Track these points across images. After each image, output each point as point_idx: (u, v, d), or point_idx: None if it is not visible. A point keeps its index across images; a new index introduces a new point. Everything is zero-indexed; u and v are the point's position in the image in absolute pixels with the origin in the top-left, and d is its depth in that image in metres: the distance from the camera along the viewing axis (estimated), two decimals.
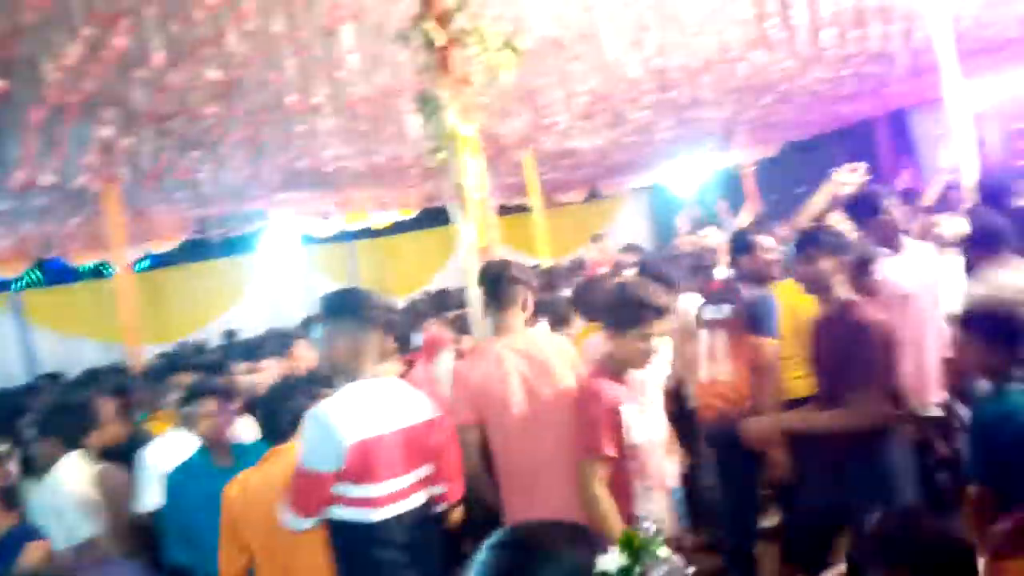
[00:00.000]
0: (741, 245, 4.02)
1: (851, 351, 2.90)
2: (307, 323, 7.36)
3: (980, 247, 3.54)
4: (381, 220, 12.60)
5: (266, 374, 4.49)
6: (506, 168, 10.07)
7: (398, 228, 13.61)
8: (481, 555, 1.18)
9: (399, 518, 2.50)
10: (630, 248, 7.91)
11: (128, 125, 4.93)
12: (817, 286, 3.13)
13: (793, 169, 15.03)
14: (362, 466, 2.43)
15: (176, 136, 5.45)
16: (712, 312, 3.93)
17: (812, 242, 3.14)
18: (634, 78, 6.07)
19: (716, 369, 3.80)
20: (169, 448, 3.47)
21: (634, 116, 7.93)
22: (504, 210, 13.73)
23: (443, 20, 2.94)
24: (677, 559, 1.24)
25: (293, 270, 13.40)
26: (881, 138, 13.18)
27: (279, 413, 2.81)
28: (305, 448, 2.46)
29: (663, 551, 1.22)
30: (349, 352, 2.56)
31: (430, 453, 2.64)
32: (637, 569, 1.15)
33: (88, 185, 5.81)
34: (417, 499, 2.58)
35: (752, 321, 3.68)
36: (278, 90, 4.83)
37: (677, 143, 10.81)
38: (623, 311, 2.76)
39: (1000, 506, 2.11)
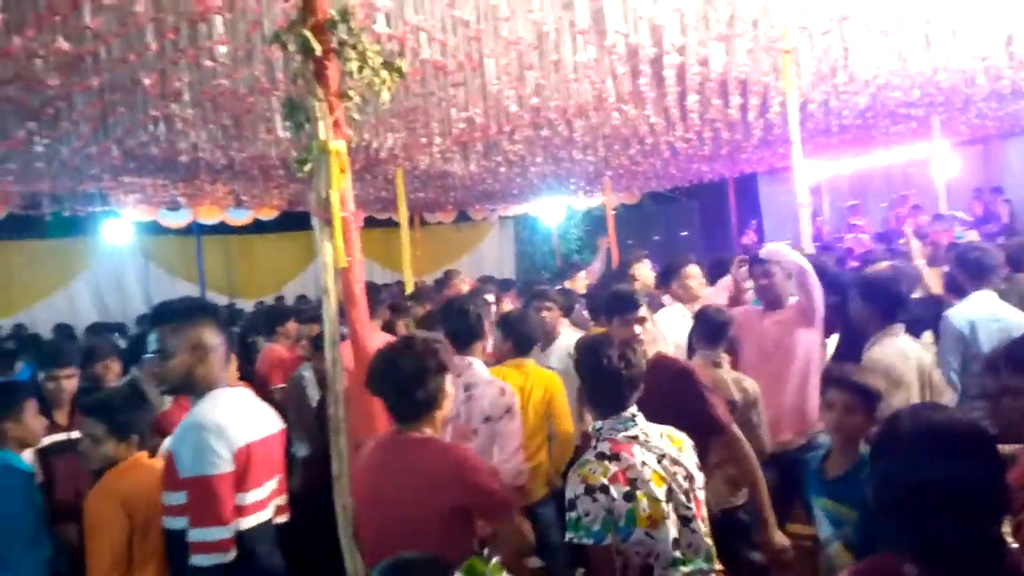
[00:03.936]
0: None
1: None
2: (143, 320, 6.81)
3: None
4: (237, 218, 12.00)
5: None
6: (378, 182, 9.92)
7: (256, 228, 13.01)
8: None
9: (260, 527, 2.45)
10: (486, 280, 8.06)
11: None
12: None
13: (651, 218, 15.92)
14: (243, 472, 2.40)
15: (11, 104, 4.93)
16: None
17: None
18: (511, 113, 6.16)
19: None
20: None
21: (508, 148, 8.05)
22: (373, 223, 13.53)
23: (323, 29, 2.82)
24: None
25: (130, 260, 12.51)
26: (731, 198, 14.16)
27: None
28: (194, 457, 2.33)
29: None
30: (212, 361, 2.52)
31: (279, 465, 2.65)
32: None
33: None
34: (271, 510, 2.54)
35: None
36: (134, 70, 4.49)
37: (547, 179, 11.07)
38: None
39: None
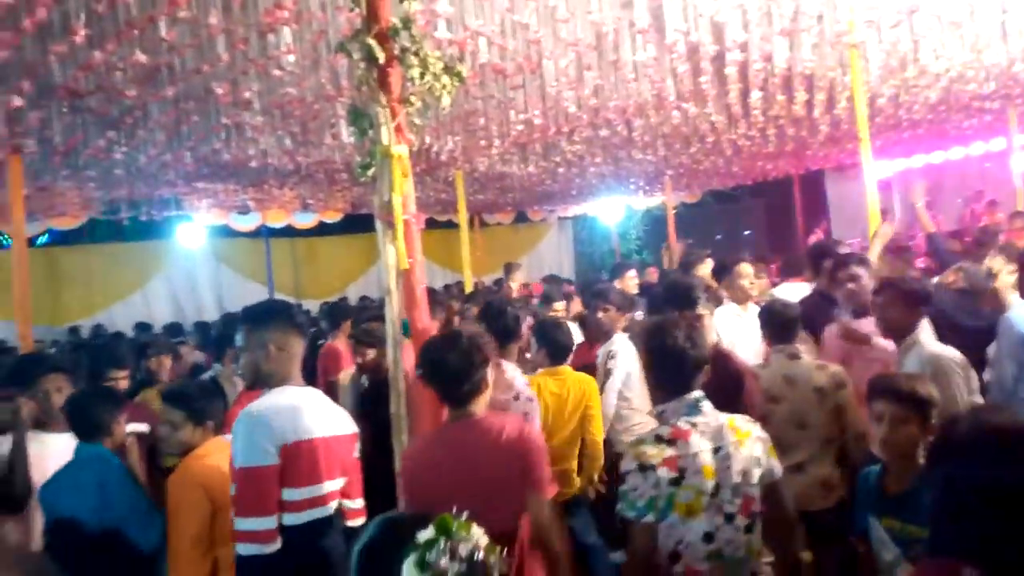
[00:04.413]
0: None
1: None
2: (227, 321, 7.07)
3: None
4: (303, 221, 12.33)
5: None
6: (438, 184, 10.06)
7: (320, 230, 13.34)
8: (370, 527, 1.56)
9: (313, 525, 2.52)
10: (550, 279, 8.05)
11: (41, 98, 4.66)
12: None
13: (712, 216, 15.68)
14: (291, 468, 2.47)
15: (92, 114, 5.19)
16: None
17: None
18: (570, 114, 6.18)
19: None
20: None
21: (567, 149, 8.06)
22: (433, 224, 13.71)
23: (386, 37, 2.89)
24: (483, 538, 1.48)
25: (202, 262, 12.96)
26: (797, 196, 13.82)
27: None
28: (242, 448, 2.46)
29: (472, 531, 1.48)
30: (278, 359, 2.62)
31: (346, 467, 2.71)
32: (441, 540, 1.43)
33: None
34: (330, 508, 2.61)
35: None
36: (207, 80, 4.68)
37: (606, 179, 11.03)
38: None
39: None
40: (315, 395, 2.73)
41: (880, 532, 2.46)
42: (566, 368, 4.02)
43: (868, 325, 3.89)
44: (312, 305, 12.60)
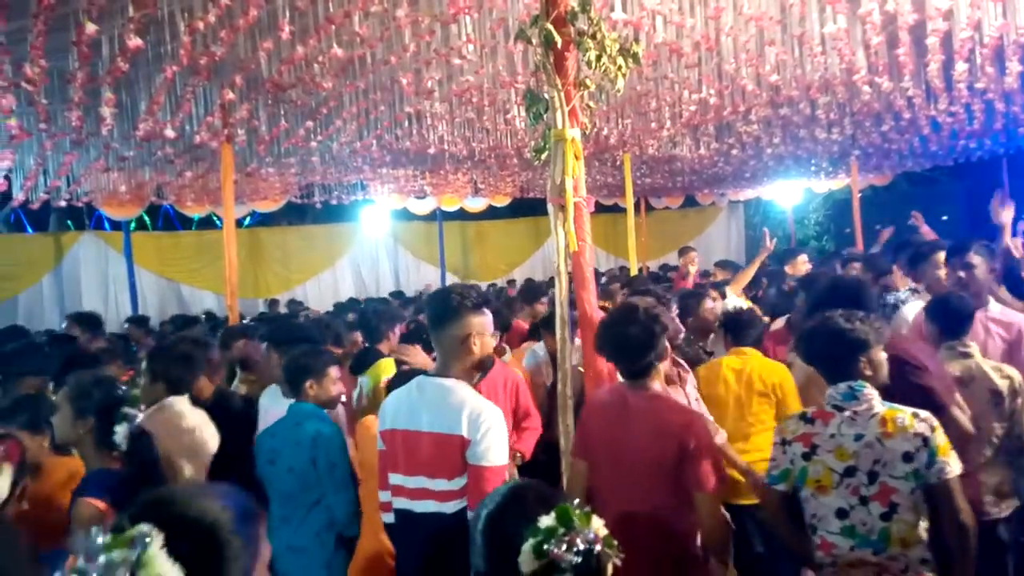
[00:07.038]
0: None
1: None
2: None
3: None
4: (474, 205, 12.78)
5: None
6: (605, 168, 10.03)
7: (489, 214, 13.77)
8: (497, 493, 1.59)
9: (403, 514, 2.53)
10: (723, 264, 7.76)
11: (250, 91, 5.15)
12: None
13: (905, 200, 14.39)
14: (388, 452, 2.59)
15: (293, 106, 5.67)
16: None
17: None
18: (748, 92, 5.93)
19: None
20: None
21: (742, 130, 7.75)
22: (598, 209, 13.70)
23: (563, 21, 2.93)
24: (602, 530, 1.48)
25: (383, 244, 13.76)
26: (1005, 178, 12.39)
27: None
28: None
29: (592, 523, 1.48)
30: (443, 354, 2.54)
31: (452, 468, 2.39)
32: (560, 531, 1.45)
33: (207, 142, 6.11)
34: (425, 506, 2.44)
35: None
36: (394, 71, 4.96)
37: (784, 161, 10.48)
38: None
39: None
40: (450, 388, 2.46)
41: None
42: (751, 350, 3.91)
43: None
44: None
